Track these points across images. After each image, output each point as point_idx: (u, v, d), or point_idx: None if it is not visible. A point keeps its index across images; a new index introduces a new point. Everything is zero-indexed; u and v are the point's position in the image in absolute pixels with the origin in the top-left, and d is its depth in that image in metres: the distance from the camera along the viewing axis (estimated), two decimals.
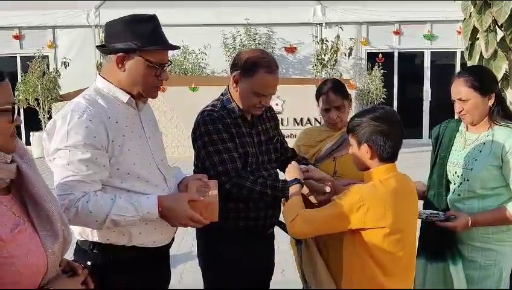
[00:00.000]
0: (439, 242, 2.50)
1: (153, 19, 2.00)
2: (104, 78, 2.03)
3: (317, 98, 2.93)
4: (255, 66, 2.42)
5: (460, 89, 2.44)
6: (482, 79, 2.44)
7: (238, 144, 2.48)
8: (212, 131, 2.44)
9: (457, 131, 2.60)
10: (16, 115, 1.46)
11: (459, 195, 2.50)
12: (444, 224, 2.41)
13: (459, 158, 2.53)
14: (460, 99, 2.45)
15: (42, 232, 1.49)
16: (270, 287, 2.82)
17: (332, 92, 2.84)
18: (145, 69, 1.98)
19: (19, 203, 1.51)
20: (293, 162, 2.48)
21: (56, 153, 1.88)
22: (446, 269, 2.50)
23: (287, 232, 2.77)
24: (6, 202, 1.47)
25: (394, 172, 2.09)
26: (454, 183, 2.54)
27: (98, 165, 1.89)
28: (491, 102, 2.43)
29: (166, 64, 2.04)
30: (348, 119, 2.95)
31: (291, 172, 2.40)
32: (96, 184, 1.89)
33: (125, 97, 2.02)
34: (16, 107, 1.46)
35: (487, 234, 2.43)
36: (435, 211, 2.47)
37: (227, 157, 2.43)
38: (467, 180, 2.46)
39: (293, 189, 2.29)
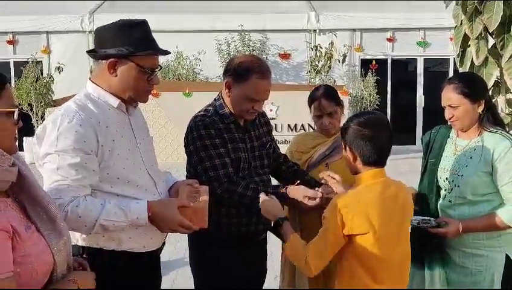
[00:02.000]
0: (425, 248, 2.51)
1: (143, 24, 2.02)
2: (95, 83, 2.04)
3: (310, 105, 2.94)
4: (247, 72, 2.43)
5: (450, 96, 2.45)
6: (472, 86, 2.45)
7: (230, 149, 2.48)
8: (205, 136, 2.45)
9: (448, 137, 2.61)
10: (19, 117, 1.51)
11: (450, 201, 2.51)
12: (436, 230, 2.41)
13: (449, 164, 2.53)
14: (450, 106, 2.46)
15: (45, 232, 1.53)
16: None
17: (324, 98, 2.86)
18: (137, 74, 2.00)
19: (19, 206, 1.53)
20: (268, 200, 2.30)
21: (46, 158, 1.88)
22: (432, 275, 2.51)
23: (280, 237, 2.78)
24: (11, 204, 1.50)
25: (382, 178, 2.09)
26: (445, 190, 2.54)
27: (87, 170, 1.89)
28: (480, 108, 2.44)
29: (157, 69, 2.05)
30: (340, 126, 2.98)
31: (270, 211, 2.26)
32: (85, 189, 1.89)
33: (115, 102, 2.02)
34: (19, 109, 1.51)
35: (478, 240, 2.44)
36: (426, 218, 2.47)
37: (219, 163, 2.43)
38: (458, 186, 2.47)
39: (285, 228, 2.19)
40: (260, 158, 2.63)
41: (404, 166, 8.28)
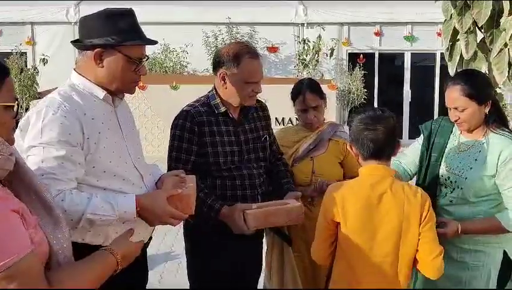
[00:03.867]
0: None
1: (129, 13, 1.99)
2: (80, 74, 1.99)
3: (294, 99, 2.94)
4: (238, 57, 2.45)
5: (456, 98, 2.36)
6: (478, 87, 2.36)
7: (208, 142, 2.48)
8: (179, 126, 2.49)
9: (451, 132, 2.55)
10: (18, 110, 1.51)
11: (451, 201, 2.47)
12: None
13: (452, 163, 2.47)
14: (456, 108, 2.39)
15: (41, 221, 1.51)
16: (258, 287, 2.81)
17: (309, 92, 2.87)
18: (124, 64, 1.96)
19: (14, 194, 1.52)
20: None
21: (30, 151, 1.83)
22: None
23: (279, 235, 2.77)
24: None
25: (378, 174, 2.09)
26: (446, 187, 2.49)
27: (73, 163, 1.84)
28: (487, 109, 2.37)
29: (145, 59, 2.02)
30: (323, 119, 3.00)
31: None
32: (71, 182, 1.85)
33: (101, 93, 1.99)
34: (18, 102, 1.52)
35: (476, 237, 2.41)
36: None
37: (175, 155, 2.49)
38: (461, 188, 2.42)
39: None
40: (254, 151, 2.61)
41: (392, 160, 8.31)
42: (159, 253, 4.72)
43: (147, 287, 2.32)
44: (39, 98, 9.98)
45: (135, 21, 1.99)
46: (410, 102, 11.78)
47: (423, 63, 12.43)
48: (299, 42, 11.37)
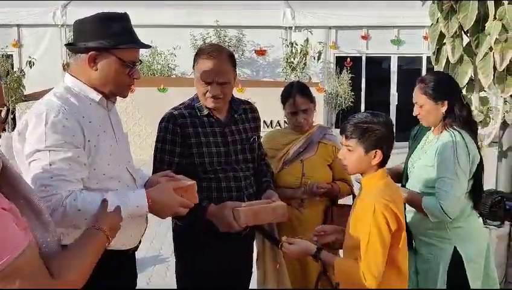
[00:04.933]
0: None
1: (124, 17, 2.00)
2: (74, 76, 1.99)
3: (284, 102, 2.95)
4: (197, 55, 2.53)
5: (417, 95, 2.63)
6: (436, 86, 2.57)
7: (193, 143, 2.49)
8: (162, 128, 2.53)
9: (428, 130, 2.74)
10: (7, 115, 1.54)
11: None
12: None
13: (414, 157, 2.71)
14: (416, 103, 2.63)
15: (30, 225, 1.49)
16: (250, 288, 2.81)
17: (299, 95, 2.89)
18: (118, 67, 1.97)
19: None
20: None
21: (34, 155, 1.82)
22: None
23: (270, 241, 2.77)
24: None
25: (387, 176, 2.16)
26: (406, 179, 2.71)
27: (79, 164, 1.86)
28: (444, 109, 2.56)
29: (138, 62, 2.04)
30: (312, 122, 3.02)
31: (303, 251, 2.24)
32: (79, 183, 1.86)
33: (97, 96, 1.99)
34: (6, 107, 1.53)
35: (429, 230, 2.57)
36: None
37: (159, 157, 2.52)
38: (412, 177, 2.65)
39: (327, 257, 2.17)
40: (242, 152, 2.61)
41: None
42: (147, 256, 4.71)
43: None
44: (25, 100, 9.91)
45: (129, 25, 2.01)
46: (396, 105, 11.87)
47: (410, 67, 12.53)
48: (287, 45, 11.42)
